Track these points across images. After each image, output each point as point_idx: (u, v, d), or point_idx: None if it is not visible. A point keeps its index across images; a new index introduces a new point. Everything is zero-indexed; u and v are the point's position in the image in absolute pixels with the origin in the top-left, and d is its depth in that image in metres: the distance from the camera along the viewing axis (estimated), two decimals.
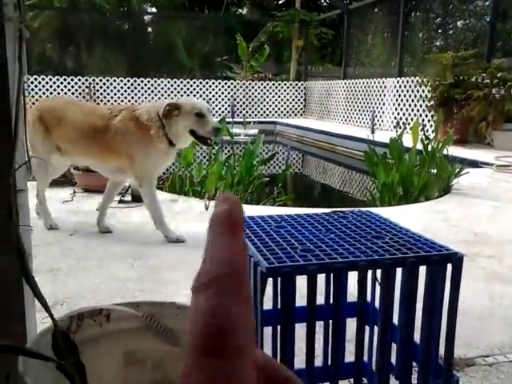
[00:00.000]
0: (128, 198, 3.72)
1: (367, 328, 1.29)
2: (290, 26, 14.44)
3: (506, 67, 7.33)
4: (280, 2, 21.00)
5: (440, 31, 11.36)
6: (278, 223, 1.34)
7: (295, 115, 13.71)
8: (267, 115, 13.48)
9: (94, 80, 12.12)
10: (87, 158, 2.96)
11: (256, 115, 13.31)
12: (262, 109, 13.49)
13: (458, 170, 4.33)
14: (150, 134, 2.72)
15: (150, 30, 17.78)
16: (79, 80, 12.17)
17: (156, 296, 2.01)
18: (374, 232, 1.24)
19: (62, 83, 12.18)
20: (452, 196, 4.09)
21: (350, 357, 1.38)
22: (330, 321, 1.26)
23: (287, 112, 13.67)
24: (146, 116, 2.74)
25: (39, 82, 12.09)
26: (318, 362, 1.42)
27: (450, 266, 1.11)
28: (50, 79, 12.16)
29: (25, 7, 1.09)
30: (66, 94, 12.18)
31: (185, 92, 12.91)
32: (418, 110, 8.92)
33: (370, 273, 1.28)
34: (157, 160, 2.81)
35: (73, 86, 12.20)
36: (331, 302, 1.27)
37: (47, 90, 12.13)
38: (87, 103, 3.26)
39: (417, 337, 1.16)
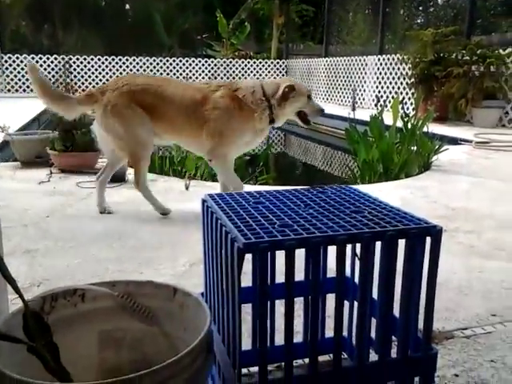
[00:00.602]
0: None
1: (347, 303, 1.28)
2: (270, 3, 14.25)
3: (486, 44, 7.35)
4: None
5: (421, 8, 11.33)
6: (257, 199, 1.31)
7: None
8: None
9: (70, 59, 11.83)
10: (177, 135, 2.80)
11: None
12: None
13: (437, 146, 4.35)
14: (252, 116, 2.66)
15: (127, 6, 17.35)
16: (55, 59, 11.86)
17: (136, 277, 1.99)
18: (352, 207, 1.22)
19: (37, 62, 11.86)
20: (432, 173, 4.12)
21: (330, 332, 1.38)
22: (310, 297, 1.25)
23: None
24: (251, 98, 2.66)
25: (13, 61, 11.75)
26: (299, 338, 1.41)
27: (428, 240, 1.10)
28: (25, 58, 11.82)
29: None
30: (41, 72, 11.87)
31: (164, 70, 12.70)
32: (398, 88, 8.92)
33: (349, 248, 1.27)
34: (250, 140, 2.79)
35: (49, 65, 11.89)
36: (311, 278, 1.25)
37: (22, 69, 11.81)
38: (177, 79, 3.06)
39: (396, 311, 1.16)
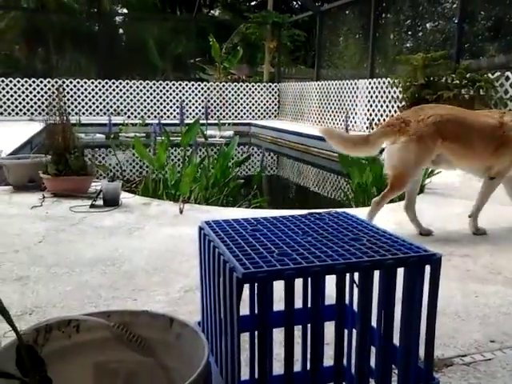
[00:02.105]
0: (100, 202, 3.63)
1: (345, 331, 1.27)
2: (262, 28, 14.48)
3: (475, 68, 7.48)
4: (252, 4, 21.05)
5: (410, 33, 11.54)
6: (254, 226, 1.31)
7: (269, 117, 13.73)
8: (241, 117, 13.46)
9: (63, 82, 11.87)
10: (472, 160, 2.97)
11: (230, 117, 13.28)
12: (236, 110, 13.46)
13: (430, 169, 4.38)
14: None
15: (121, 31, 17.56)
16: (48, 82, 11.91)
17: (129, 303, 1.96)
18: (351, 234, 1.22)
19: (30, 85, 11.90)
20: (425, 196, 4.13)
21: (328, 361, 1.35)
22: (308, 325, 1.24)
23: (261, 114, 13.67)
24: None
25: (6, 85, 11.78)
26: (297, 367, 1.39)
27: (428, 268, 1.10)
28: (18, 81, 11.86)
29: None
30: (34, 96, 11.90)
31: (157, 94, 12.78)
32: (390, 111, 9.03)
33: (348, 274, 1.26)
34: None
35: (42, 89, 11.92)
36: (309, 305, 1.24)
37: (15, 92, 11.83)
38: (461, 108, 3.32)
39: (396, 339, 1.15)
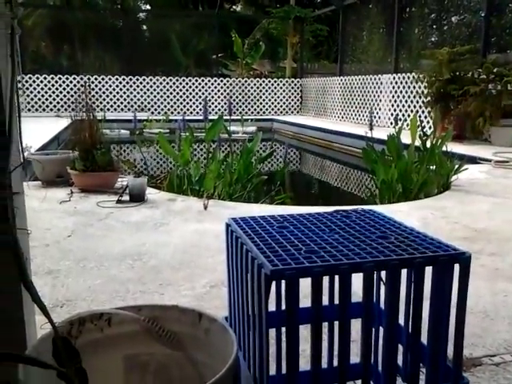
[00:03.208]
0: (126, 197, 3.69)
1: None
2: (285, 23, 14.40)
3: (502, 62, 7.32)
4: None
5: (435, 27, 11.34)
6: (281, 223, 1.31)
7: (292, 112, 13.69)
8: (264, 113, 13.46)
9: (88, 79, 12.06)
10: None
11: (252, 113, 13.28)
12: (258, 106, 13.46)
13: (457, 166, 4.32)
14: None
15: (144, 27, 17.70)
16: (74, 79, 12.10)
17: (157, 297, 1.99)
18: (378, 232, 1.22)
19: (56, 82, 12.11)
20: (452, 193, 4.08)
21: (354, 358, 1.36)
22: (335, 322, 1.24)
23: (284, 109, 13.64)
24: None
25: (34, 81, 12.02)
26: (323, 363, 1.40)
27: (456, 266, 1.09)
28: (45, 78, 12.08)
29: (16, 2, 1.05)
30: (61, 92, 12.11)
31: (180, 90, 12.86)
32: (414, 106, 8.91)
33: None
34: None
35: (68, 85, 12.13)
36: (335, 302, 1.25)
37: (42, 89, 12.06)
38: None
39: (423, 338, 1.14)
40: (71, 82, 12.13)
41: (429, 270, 1.08)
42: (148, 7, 19.29)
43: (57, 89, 12.14)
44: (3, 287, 1.10)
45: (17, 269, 0.95)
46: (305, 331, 1.35)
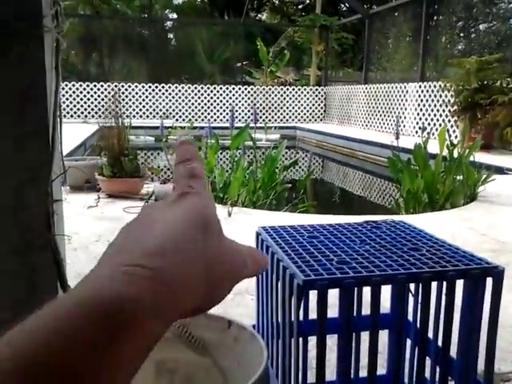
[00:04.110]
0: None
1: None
2: (310, 31, 14.44)
3: None
4: (299, 7, 21.03)
5: (463, 35, 11.22)
6: (311, 233, 1.32)
7: (315, 120, 13.68)
8: (287, 120, 13.48)
9: (116, 86, 12.29)
10: None
11: (276, 120, 13.32)
12: (282, 114, 13.50)
13: (484, 176, 4.25)
14: None
15: (171, 36, 17.96)
16: (101, 86, 12.35)
17: None
18: (409, 244, 1.21)
19: (84, 89, 12.37)
20: (478, 203, 4.02)
21: (379, 369, 1.35)
22: (361, 332, 1.24)
23: (307, 117, 13.64)
24: None
25: (63, 88, 12.29)
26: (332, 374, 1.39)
27: (489, 280, 1.08)
28: (73, 85, 12.35)
29: (63, 18, 1.10)
30: (88, 99, 12.36)
31: (205, 97, 12.99)
32: (440, 116, 8.81)
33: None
34: None
35: (95, 92, 12.37)
36: (362, 313, 1.25)
37: (70, 95, 12.33)
38: None
39: (452, 351, 1.14)
40: (98, 89, 12.38)
41: (459, 282, 1.08)
42: (175, 16, 19.57)
43: (85, 96, 12.39)
44: (43, 288, 1.13)
45: (56, 272, 0.99)
46: (329, 341, 1.35)
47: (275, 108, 13.43)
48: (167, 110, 12.76)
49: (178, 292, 0.25)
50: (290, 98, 13.50)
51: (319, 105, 13.71)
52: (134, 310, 0.22)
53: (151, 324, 0.23)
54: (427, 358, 1.19)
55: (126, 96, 12.54)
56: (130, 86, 12.58)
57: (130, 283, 0.23)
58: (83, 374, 0.20)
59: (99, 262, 0.27)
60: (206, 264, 0.27)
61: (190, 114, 12.84)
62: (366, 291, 1.08)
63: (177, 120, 12.48)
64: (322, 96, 13.69)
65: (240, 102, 13.16)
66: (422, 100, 9.39)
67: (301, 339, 1.29)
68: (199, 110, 12.94)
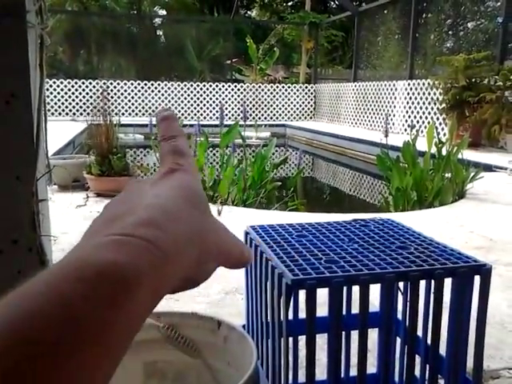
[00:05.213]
0: None
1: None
2: (299, 29, 14.44)
3: None
4: (289, 4, 21.02)
5: (451, 33, 11.28)
6: (299, 232, 1.32)
7: (305, 118, 13.69)
8: (277, 118, 13.47)
9: (104, 83, 12.19)
10: None
11: (266, 118, 13.31)
12: (271, 112, 13.49)
13: (473, 174, 4.28)
14: None
15: (160, 32, 17.86)
16: (90, 83, 12.24)
17: (172, 304, 2.00)
18: (397, 242, 1.22)
19: (72, 86, 12.26)
20: (467, 201, 4.04)
21: (369, 368, 1.35)
22: (351, 331, 1.24)
23: (297, 115, 13.65)
24: None
25: (50, 86, 12.17)
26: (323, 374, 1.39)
27: (477, 278, 1.09)
28: (61, 82, 12.23)
29: (47, 14, 1.08)
30: (76, 97, 12.25)
31: (195, 95, 12.94)
32: (429, 113, 8.86)
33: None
34: None
35: (84, 90, 12.27)
36: (351, 311, 1.25)
37: (58, 93, 12.21)
38: None
39: (441, 349, 1.14)
40: (87, 86, 12.27)
41: (447, 280, 1.08)
42: (164, 12, 19.46)
43: (73, 93, 12.28)
44: None
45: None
46: (319, 340, 1.35)
47: (265, 106, 13.42)
48: (156, 108, 12.69)
49: (175, 264, 0.23)
50: (280, 96, 13.49)
51: (309, 102, 13.72)
52: (134, 275, 0.20)
53: (149, 290, 0.21)
54: (417, 356, 1.19)
55: (115, 93, 12.45)
56: (118, 84, 12.49)
57: (126, 253, 0.21)
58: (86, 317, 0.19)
59: (83, 237, 0.25)
60: (199, 239, 0.26)
61: (179, 111, 12.79)
62: (355, 290, 1.08)
63: None
64: (311, 94, 13.71)
65: (230, 99, 13.13)
66: (410, 98, 9.44)
67: (291, 339, 1.29)
68: (188, 108, 12.89)
